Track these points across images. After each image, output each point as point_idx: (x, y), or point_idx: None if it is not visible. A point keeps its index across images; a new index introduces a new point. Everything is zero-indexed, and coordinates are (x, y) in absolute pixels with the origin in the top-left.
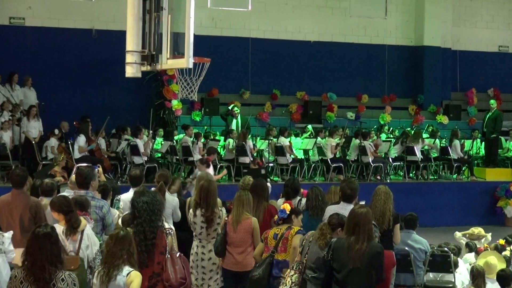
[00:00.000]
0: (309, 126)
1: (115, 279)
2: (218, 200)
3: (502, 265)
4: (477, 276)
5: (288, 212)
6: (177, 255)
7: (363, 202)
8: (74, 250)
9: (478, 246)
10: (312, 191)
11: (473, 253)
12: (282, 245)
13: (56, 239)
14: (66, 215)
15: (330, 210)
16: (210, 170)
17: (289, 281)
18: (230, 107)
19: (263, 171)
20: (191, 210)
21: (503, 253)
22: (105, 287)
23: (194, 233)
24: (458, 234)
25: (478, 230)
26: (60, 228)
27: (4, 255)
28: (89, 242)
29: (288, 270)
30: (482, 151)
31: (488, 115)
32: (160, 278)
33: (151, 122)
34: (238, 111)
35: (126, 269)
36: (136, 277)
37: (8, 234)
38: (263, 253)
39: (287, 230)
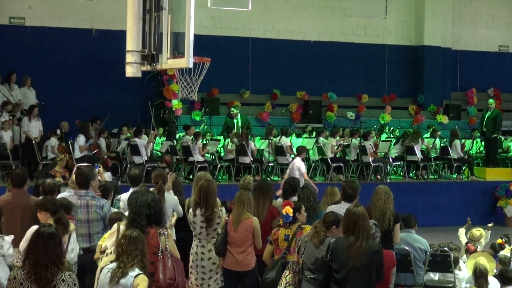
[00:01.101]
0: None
1: (125, 277)
2: (218, 199)
3: (492, 266)
4: (480, 276)
5: (291, 215)
6: (169, 255)
7: None
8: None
9: (469, 244)
10: (304, 192)
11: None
12: (295, 245)
13: (59, 240)
14: (54, 215)
15: (330, 210)
16: (107, 175)
17: (284, 281)
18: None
19: (167, 170)
20: (190, 210)
21: (502, 252)
22: (113, 285)
23: (194, 233)
24: (461, 230)
25: (479, 232)
26: None
27: (3, 258)
28: (74, 246)
29: (284, 271)
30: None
31: (487, 115)
32: (154, 278)
33: (152, 121)
34: (236, 111)
35: (136, 271)
36: (142, 281)
37: (9, 238)
38: (273, 255)
39: (298, 230)
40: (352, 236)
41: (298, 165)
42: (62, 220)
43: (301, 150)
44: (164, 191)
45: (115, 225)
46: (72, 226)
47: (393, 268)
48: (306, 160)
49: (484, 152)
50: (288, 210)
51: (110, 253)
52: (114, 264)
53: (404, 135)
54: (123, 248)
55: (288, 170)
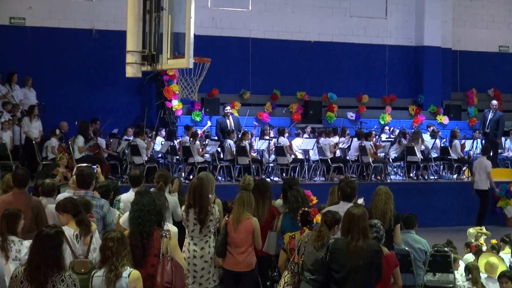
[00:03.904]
0: None
1: (119, 279)
2: (209, 197)
3: (503, 265)
4: (473, 270)
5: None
6: (169, 258)
7: (361, 200)
8: (84, 253)
9: (473, 243)
10: (291, 194)
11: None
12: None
13: (57, 242)
14: (76, 217)
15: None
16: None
17: (282, 281)
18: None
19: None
20: (183, 209)
21: (502, 253)
22: None
23: (186, 231)
24: (471, 231)
25: (477, 231)
26: (70, 230)
27: (19, 263)
28: (96, 245)
29: (284, 271)
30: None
31: (490, 116)
32: (154, 280)
33: (157, 121)
34: (230, 110)
35: (128, 269)
36: (138, 278)
37: (27, 243)
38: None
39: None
40: (349, 236)
41: (486, 164)
42: (84, 221)
43: (489, 149)
44: (164, 192)
45: None
46: (94, 226)
47: (395, 269)
48: (306, 160)
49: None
50: (318, 218)
51: None
52: (103, 270)
53: (401, 134)
54: (113, 251)
55: (474, 170)
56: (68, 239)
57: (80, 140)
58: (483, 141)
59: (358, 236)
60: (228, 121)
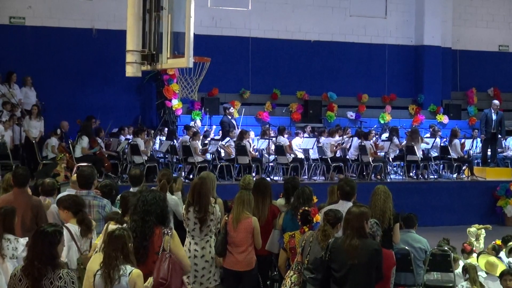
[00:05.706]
0: None
1: (119, 281)
2: (211, 198)
3: (502, 265)
4: (470, 270)
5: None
6: (167, 255)
7: None
8: (88, 249)
9: (466, 243)
10: (296, 192)
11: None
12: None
13: (52, 240)
14: (77, 215)
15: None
16: None
17: (288, 281)
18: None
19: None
20: (183, 208)
21: (502, 253)
22: None
23: (187, 230)
24: (472, 230)
25: (476, 229)
26: (75, 227)
27: (16, 261)
28: None
29: (288, 271)
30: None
31: (494, 117)
32: None
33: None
34: (233, 110)
35: (128, 268)
36: (138, 277)
37: (23, 241)
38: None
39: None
40: (346, 234)
41: None
42: (85, 221)
43: None
44: (166, 190)
45: (106, 224)
46: (94, 224)
47: (393, 268)
48: (306, 160)
49: (485, 152)
50: (318, 218)
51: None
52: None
53: (392, 132)
54: (105, 250)
55: None
56: (74, 235)
57: (85, 141)
58: (482, 141)
59: (352, 235)
60: (233, 120)
